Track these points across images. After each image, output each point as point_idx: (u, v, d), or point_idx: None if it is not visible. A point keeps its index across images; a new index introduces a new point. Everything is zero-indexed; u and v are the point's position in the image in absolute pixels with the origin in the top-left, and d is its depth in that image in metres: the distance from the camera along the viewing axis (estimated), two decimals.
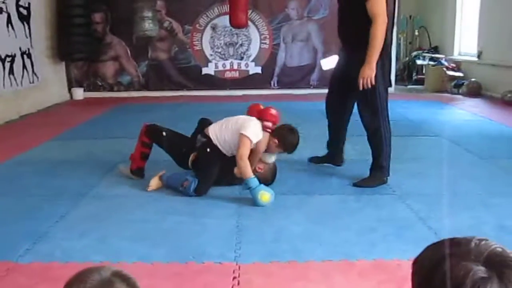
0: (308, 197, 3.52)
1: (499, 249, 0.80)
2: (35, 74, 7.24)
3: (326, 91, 4.09)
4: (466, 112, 6.98)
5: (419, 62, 9.91)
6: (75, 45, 8.02)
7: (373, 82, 3.46)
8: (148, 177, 3.74)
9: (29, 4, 7.08)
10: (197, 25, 8.70)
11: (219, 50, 8.80)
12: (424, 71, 9.73)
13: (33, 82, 7.18)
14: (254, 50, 8.80)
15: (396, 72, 9.29)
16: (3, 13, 6.39)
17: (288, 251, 2.64)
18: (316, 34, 8.70)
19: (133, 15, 8.13)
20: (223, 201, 3.42)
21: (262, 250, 2.64)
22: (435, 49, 10.02)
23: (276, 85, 8.90)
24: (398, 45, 9.81)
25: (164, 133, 3.77)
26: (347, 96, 3.78)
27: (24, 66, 6.91)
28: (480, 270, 0.76)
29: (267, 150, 3.64)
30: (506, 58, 7.57)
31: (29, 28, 7.08)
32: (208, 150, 3.60)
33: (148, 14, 8.12)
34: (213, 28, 8.71)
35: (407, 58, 10.44)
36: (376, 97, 3.55)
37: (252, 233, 2.88)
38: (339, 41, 3.86)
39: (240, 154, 3.41)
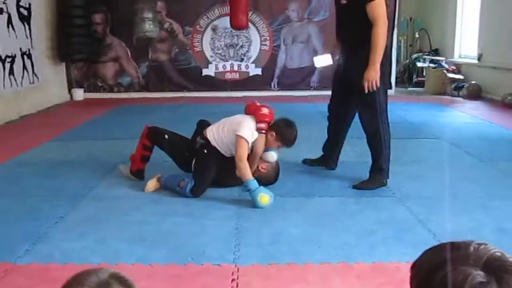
0: (307, 199, 3.51)
1: (498, 254, 0.80)
2: (35, 75, 7.24)
3: (326, 92, 4.09)
4: (466, 115, 6.98)
5: (419, 64, 9.91)
6: (75, 46, 8.02)
7: (378, 85, 3.46)
8: (147, 178, 3.74)
9: (29, 4, 7.08)
10: (198, 27, 8.70)
11: (220, 52, 8.81)
12: (424, 74, 9.73)
13: (33, 82, 7.19)
14: (254, 52, 8.80)
15: (396, 75, 9.29)
16: (4, 13, 6.39)
17: (287, 253, 2.63)
18: (316, 36, 8.70)
19: (133, 16, 8.14)
20: (222, 202, 3.42)
21: (261, 252, 2.64)
22: (436, 52, 10.03)
23: (276, 86, 8.90)
24: (399, 47, 9.82)
25: (166, 136, 3.75)
26: (348, 99, 3.77)
27: (24, 67, 6.92)
28: (479, 275, 0.76)
29: (267, 145, 3.63)
30: (506, 60, 7.58)
31: (29, 28, 7.09)
32: (205, 151, 3.59)
33: (149, 15, 8.14)
34: (214, 30, 8.71)
35: (407, 61, 10.45)
36: (375, 99, 3.55)
37: (251, 235, 2.88)
38: (339, 44, 3.86)
39: (239, 155, 3.40)
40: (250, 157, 3.54)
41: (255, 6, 8.55)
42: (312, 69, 8.72)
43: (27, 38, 7.02)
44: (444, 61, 9.39)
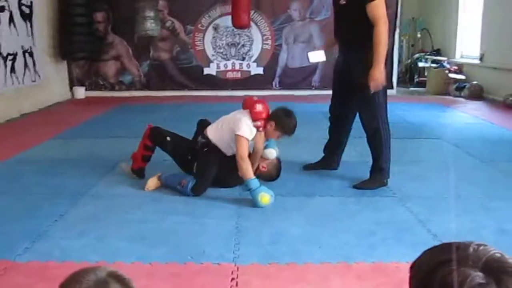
0: (307, 199, 3.51)
1: (498, 255, 0.79)
2: (37, 73, 7.25)
3: (327, 92, 4.09)
4: (467, 115, 6.97)
5: (421, 64, 9.91)
6: (77, 44, 8.02)
7: (384, 84, 3.46)
8: (147, 177, 3.74)
9: (31, 2, 7.09)
10: (199, 25, 8.70)
11: (221, 51, 8.80)
12: (426, 74, 9.73)
13: (34, 80, 7.19)
14: (256, 51, 8.80)
15: (398, 75, 9.29)
16: (6, 11, 6.40)
17: (287, 253, 2.63)
18: (318, 35, 8.69)
19: (135, 15, 8.14)
20: (223, 201, 3.42)
21: (261, 252, 2.64)
22: (437, 52, 10.02)
23: (277, 86, 8.90)
24: (400, 47, 9.81)
25: (168, 138, 3.75)
26: (348, 99, 3.77)
27: (26, 65, 6.92)
28: (478, 276, 0.75)
29: (267, 136, 3.61)
30: (508, 61, 7.56)
31: (31, 26, 7.09)
32: (206, 150, 3.59)
33: (150, 13, 8.14)
34: (215, 29, 8.71)
35: (409, 61, 10.44)
36: (375, 98, 3.55)
37: (251, 234, 2.88)
38: (337, 44, 3.86)
39: (240, 154, 3.40)
40: (252, 155, 3.55)
41: (257, 5, 8.54)
42: (313, 68, 8.73)
43: (28, 36, 7.03)
44: (446, 61, 9.38)
